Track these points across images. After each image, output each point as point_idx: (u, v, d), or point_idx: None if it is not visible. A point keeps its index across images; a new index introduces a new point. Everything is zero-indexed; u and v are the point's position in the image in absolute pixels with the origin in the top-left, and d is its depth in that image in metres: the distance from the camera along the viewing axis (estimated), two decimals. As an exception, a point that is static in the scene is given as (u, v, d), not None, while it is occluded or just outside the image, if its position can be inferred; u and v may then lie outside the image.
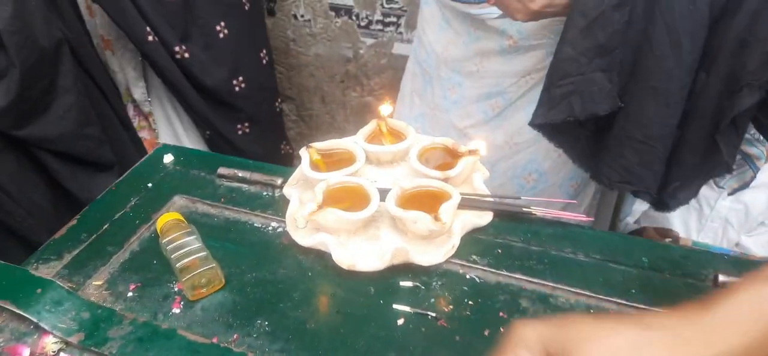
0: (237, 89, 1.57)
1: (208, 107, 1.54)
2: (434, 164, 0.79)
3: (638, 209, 1.60)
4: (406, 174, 0.82)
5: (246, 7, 1.57)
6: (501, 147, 1.04)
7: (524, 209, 0.75)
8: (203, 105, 1.53)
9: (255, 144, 1.69)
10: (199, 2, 1.43)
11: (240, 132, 1.65)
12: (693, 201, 1.54)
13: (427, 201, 0.74)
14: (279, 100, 1.80)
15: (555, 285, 0.67)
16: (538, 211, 0.74)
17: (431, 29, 1.05)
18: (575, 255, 0.71)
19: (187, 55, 1.44)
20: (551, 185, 1.06)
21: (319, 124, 2.17)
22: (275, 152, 1.83)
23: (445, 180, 0.76)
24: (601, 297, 0.65)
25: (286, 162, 1.88)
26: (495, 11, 0.91)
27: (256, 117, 1.68)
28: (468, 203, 0.75)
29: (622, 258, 0.70)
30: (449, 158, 0.81)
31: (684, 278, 0.68)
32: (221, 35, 1.50)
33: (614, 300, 0.65)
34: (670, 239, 1.54)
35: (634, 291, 0.66)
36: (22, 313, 0.62)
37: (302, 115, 2.19)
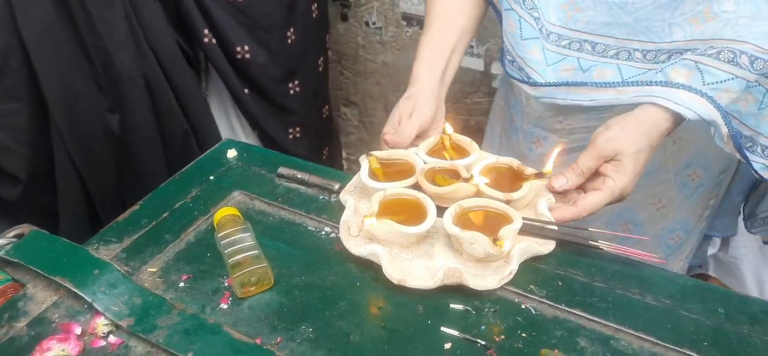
0: (291, 92, 1.59)
1: (261, 108, 1.56)
2: (497, 184, 0.76)
3: (704, 252, 1.49)
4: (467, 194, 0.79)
5: (314, 15, 1.59)
6: None
7: (591, 242, 0.71)
8: (256, 107, 1.55)
9: (303, 149, 1.70)
10: (271, 7, 1.45)
11: (291, 136, 1.67)
12: None
13: (486, 222, 0.71)
14: (327, 107, 1.81)
15: (618, 326, 0.62)
16: (606, 246, 0.70)
17: None
18: (643, 297, 0.66)
19: (248, 55, 1.46)
20: (648, 236, 0.99)
21: (380, 131, 2.16)
22: (318, 158, 1.84)
23: (508, 202, 0.73)
24: (668, 345, 0.60)
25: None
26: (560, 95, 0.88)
27: (307, 122, 1.69)
28: (530, 230, 0.71)
29: (696, 306, 0.64)
30: (513, 179, 0.78)
31: (763, 335, 0.61)
32: (289, 41, 1.52)
33: (684, 350, 0.60)
34: None
35: (706, 343, 0.60)
36: (78, 292, 0.64)
37: (364, 121, 2.19)
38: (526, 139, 1.01)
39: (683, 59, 0.75)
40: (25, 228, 0.72)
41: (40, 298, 0.66)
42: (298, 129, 1.67)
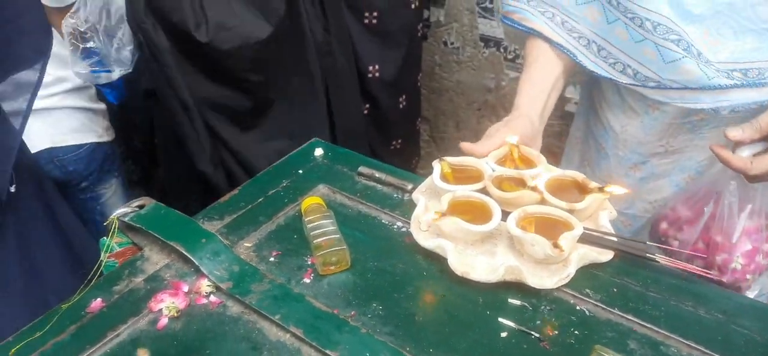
0: (400, 106, 1.68)
1: (368, 123, 1.65)
2: (561, 194, 0.81)
3: None
4: (531, 201, 0.84)
5: (419, 34, 1.68)
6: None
7: (648, 255, 0.74)
8: (368, 124, 1.64)
9: (399, 159, 1.78)
10: (394, 27, 1.54)
11: (392, 147, 1.75)
12: None
13: (548, 228, 0.76)
14: (419, 119, 1.89)
15: (668, 334, 0.66)
16: (663, 260, 0.73)
17: (608, 105, 1.03)
18: (695, 310, 0.69)
19: (378, 74, 1.56)
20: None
21: (449, 147, 2.23)
22: (409, 168, 1.92)
23: (570, 212, 0.78)
24: (717, 355, 0.63)
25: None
26: (674, 96, 0.90)
27: (406, 134, 1.77)
28: (589, 239, 0.76)
29: (748, 323, 0.67)
30: (577, 192, 0.83)
31: (818, 359, 0.63)
32: (400, 57, 1.61)
33: (732, 362, 0.63)
34: None
35: (756, 358, 0.63)
36: (188, 255, 0.75)
37: (434, 136, 2.27)
38: (622, 166, 1.03)
39: None
40: (146, 200, 0.84)
41: (155, 260, 0.78)
42: (399, 141, 1.74)
